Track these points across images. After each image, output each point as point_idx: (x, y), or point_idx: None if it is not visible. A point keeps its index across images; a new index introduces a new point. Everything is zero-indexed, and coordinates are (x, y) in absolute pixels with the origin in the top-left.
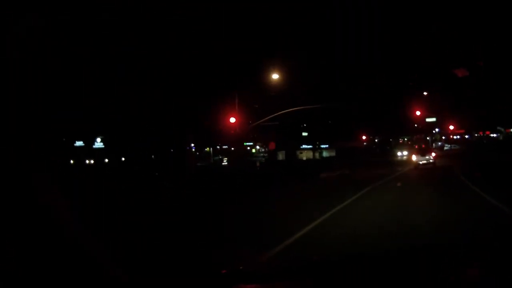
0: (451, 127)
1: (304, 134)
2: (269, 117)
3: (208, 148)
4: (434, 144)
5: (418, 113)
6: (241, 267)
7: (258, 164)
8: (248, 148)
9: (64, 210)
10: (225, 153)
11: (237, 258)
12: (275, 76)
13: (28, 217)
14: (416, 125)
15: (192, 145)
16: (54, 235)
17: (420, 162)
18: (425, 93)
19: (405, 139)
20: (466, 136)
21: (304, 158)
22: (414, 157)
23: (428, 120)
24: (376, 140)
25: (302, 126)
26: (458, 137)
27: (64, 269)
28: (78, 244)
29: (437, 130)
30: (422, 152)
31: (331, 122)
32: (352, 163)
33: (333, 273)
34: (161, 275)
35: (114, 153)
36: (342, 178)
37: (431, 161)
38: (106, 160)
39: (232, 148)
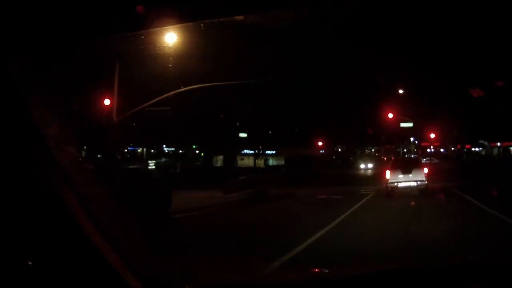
0: (432, 135)
1: (242, 135)
2: (160, 98)
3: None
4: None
5: (390, 115)
6: None
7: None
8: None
9: None
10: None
11: None
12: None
13: None
14: (385, 135)
15: None
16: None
17: (399, 184)
18: (400, 91)
19: (372, 149)
20: (442, 150)
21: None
22: (388, 175)
23: (403, 125)
24: (339, 150)
25: (236, 124)
26: (433, 150)
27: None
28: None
29: (412, 139)
30: (404, 167)
31: (277, 124)
32: (298, 176)
33: None
34: None
35: None
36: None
37: (420, 182)
38: None
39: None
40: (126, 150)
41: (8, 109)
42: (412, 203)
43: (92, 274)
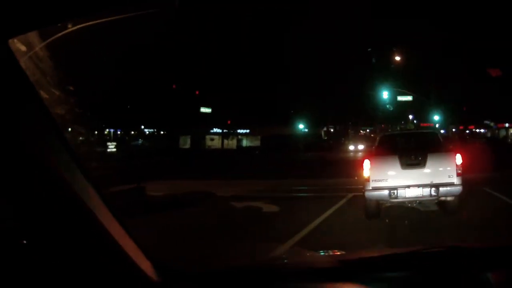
0: (436, 117)
1: (205, 110)
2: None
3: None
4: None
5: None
6: None
7: None
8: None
9: None
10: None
11: None
12: None
13: None
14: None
15: None
16: None
17: (397, 193)
18: (397, 58)
19: (367, 130)
20: (442, 131)
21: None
22: (368, 171)
23: (401, 98)
24: (331, 130)
25: (195, 94)
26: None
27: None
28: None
29: (411, 117)
30: (406, 151)
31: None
32: (262, 160)
33: None
34: None
35: None
36: None
37: (445, 189)
38: None
39: None
40: (96, 132)
41: (11, 87)
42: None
43: (102, 255)
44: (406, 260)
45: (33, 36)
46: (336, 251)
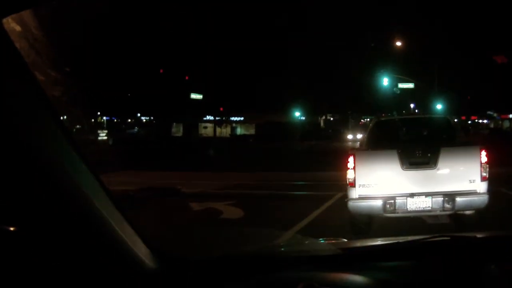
0: (439, 106)
1: (196, 96)
2: None
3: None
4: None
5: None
6: None
7: None
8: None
9: None
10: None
11: None
12: None
13: None
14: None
15: None
16: None
17: (394, 205)
18: (398, 44)
19: (368, 119)
20: None
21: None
22: (353, 176)
23: (402, 86)
24: (331, 119)
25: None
26: None
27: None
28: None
29: (412, 106)
30: (409, 148)
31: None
32: (254, 149)
33: None
34: None
35: None
36: None
37: (464, 200)
38: None
39: None
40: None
41: (5, 67)
42: None
43: (101, 242)
44: (408, 249)
45: (28, 15)
46: (337, 239)
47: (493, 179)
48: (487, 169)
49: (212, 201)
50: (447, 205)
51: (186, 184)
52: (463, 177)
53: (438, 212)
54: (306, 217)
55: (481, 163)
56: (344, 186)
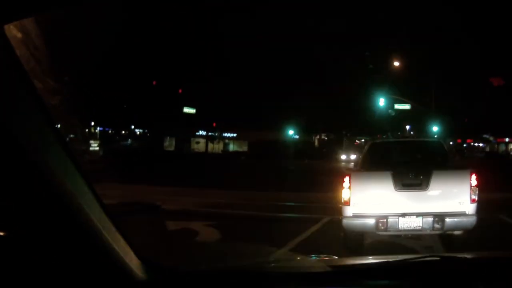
0: (435, 128)
1: (189, 110)
2: None
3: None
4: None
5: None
6: None
7: None
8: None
9: None
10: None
11: None
12: None
13: None
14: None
15: None
16: None
17: (387, 224)
18: (396, 64)
19: (362, 140)
20: None
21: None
22: (348, 197)
23: (398, 107)
24: (325, 138)
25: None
26: None
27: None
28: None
29: (408, 128)
30: (402, 169)
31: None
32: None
33: None
34: None
35: None
36: None
37: (452, 220)
38: None
39: None
40: (87, 130)
41: (4, 74)
42: None
43: (92, 251)
44: (398, 268)
45: (29, 23)
46: (329, 256)
47: (494, 206)
48: (477, 192)
49: (190, 220)
50: (436, 225)
51: (167, 200)
52: (453, 199)
53: (428, 232)
54: (283, 247)
55: (471, 186)
56: (333, 209)
